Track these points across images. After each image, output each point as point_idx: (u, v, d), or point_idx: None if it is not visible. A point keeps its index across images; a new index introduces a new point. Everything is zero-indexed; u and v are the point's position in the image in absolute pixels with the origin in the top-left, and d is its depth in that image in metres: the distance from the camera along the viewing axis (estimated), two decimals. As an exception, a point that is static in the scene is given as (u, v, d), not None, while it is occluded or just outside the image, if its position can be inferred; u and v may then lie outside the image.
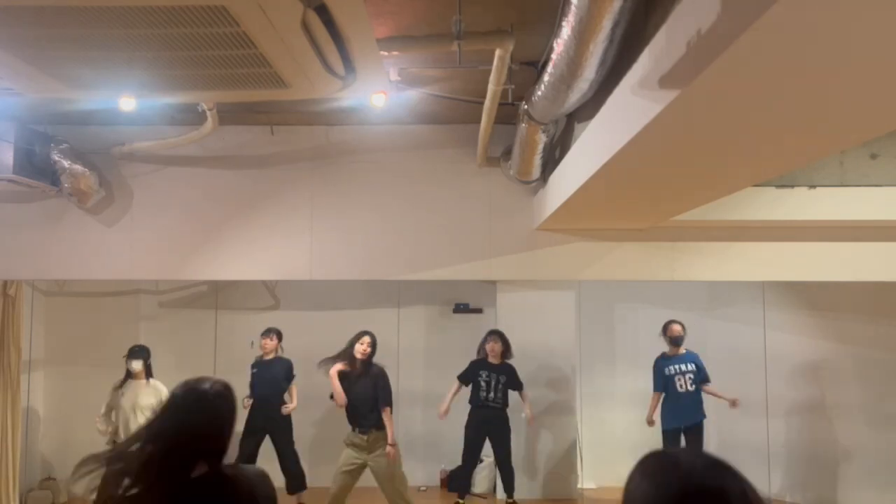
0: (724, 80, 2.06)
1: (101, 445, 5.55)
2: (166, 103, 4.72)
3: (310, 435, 6.45)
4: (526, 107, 4.04)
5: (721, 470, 0.96)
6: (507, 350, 5.65)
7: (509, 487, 5.68)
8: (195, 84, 2.84)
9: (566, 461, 6.03)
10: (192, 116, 5.08)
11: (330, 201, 5.67)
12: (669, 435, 5.61)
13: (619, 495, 1.03)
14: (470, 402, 5.70)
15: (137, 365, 5.23)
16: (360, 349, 4.80)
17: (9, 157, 4.86)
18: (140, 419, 5.10)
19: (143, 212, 5.64)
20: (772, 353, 6.54)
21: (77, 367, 6.52)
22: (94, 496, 1.65)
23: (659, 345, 5.86)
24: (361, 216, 5.66)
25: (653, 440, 5.59)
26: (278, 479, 5.56)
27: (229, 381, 1.84)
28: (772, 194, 5.02)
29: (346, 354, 4.82)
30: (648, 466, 1.00)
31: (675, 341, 5.74)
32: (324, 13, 2.25)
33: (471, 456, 5.73)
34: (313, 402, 6.07)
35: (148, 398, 5.14)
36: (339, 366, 4.78)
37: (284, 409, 5.66)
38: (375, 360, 4.88)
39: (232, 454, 1.74)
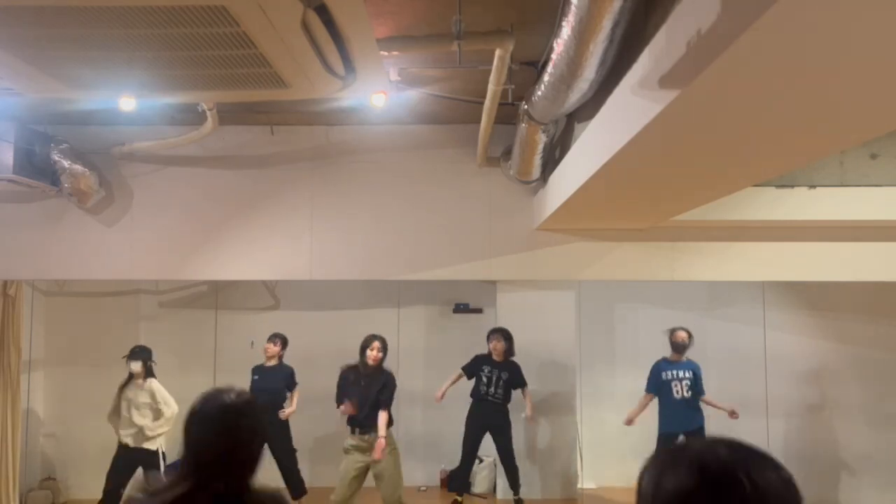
0: (724, 80, 2.05)
1: (101, 445, 5.57)
2: (166, 103, 4.71)
3: (310, 435, 6.45)
4: (526, 107, 4.03)
5: (746, 454, 0.87)
6: (510, 348, 5.67)
7: (515, 484, 5.67)
8: (195, 84, 2.84)
9: (566, 461, 6.02)
10: (192, 116, 5.08)
11: (330, 201, 5.67)
12: (664, 439, 5.58)
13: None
14: (471, 395, 5.75)
15: (136, 366, 5.23)
16: (372, 356, 4.82)
17: (9, 157, 4.86)
18: (136, 418, 5.18)
19: (143, 212, 5.64)
20: (772, 353, 6.55)
21: (77, 367, 6.52)
22: None
23: (659, 345, 5.84)
24: (361, 216, 5.66)
25: (653, 440, 5.58)
26: (277, 483, 5.56)
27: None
28: (772, 194, 5.02)
29: (362, 363, 4.85)
30: (666, 459, 0.92)
31: (678, 347, 5.72)
32: (324, 13, 2.25)
33: (469, 450, 5.74)
34: (313, 402, 6.06)
35: (143, 398, 5.19)
36: (349, 409, 4.80)
37: (282, 413, 5.60)
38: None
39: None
